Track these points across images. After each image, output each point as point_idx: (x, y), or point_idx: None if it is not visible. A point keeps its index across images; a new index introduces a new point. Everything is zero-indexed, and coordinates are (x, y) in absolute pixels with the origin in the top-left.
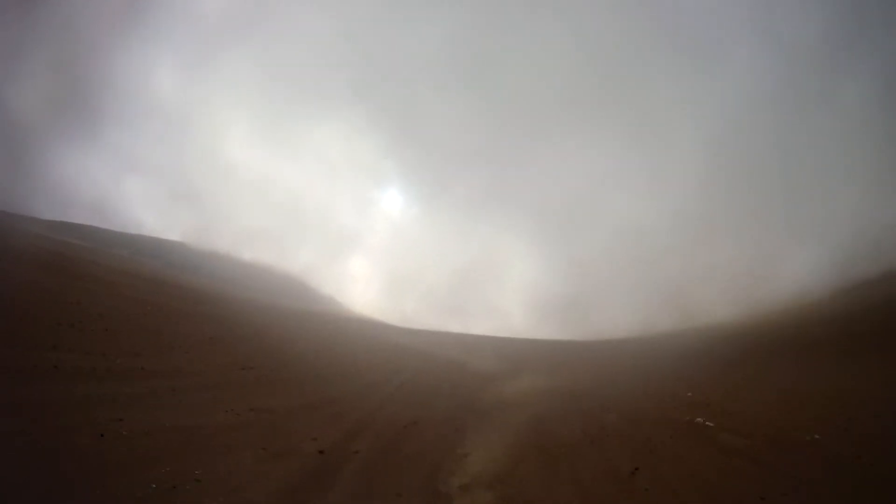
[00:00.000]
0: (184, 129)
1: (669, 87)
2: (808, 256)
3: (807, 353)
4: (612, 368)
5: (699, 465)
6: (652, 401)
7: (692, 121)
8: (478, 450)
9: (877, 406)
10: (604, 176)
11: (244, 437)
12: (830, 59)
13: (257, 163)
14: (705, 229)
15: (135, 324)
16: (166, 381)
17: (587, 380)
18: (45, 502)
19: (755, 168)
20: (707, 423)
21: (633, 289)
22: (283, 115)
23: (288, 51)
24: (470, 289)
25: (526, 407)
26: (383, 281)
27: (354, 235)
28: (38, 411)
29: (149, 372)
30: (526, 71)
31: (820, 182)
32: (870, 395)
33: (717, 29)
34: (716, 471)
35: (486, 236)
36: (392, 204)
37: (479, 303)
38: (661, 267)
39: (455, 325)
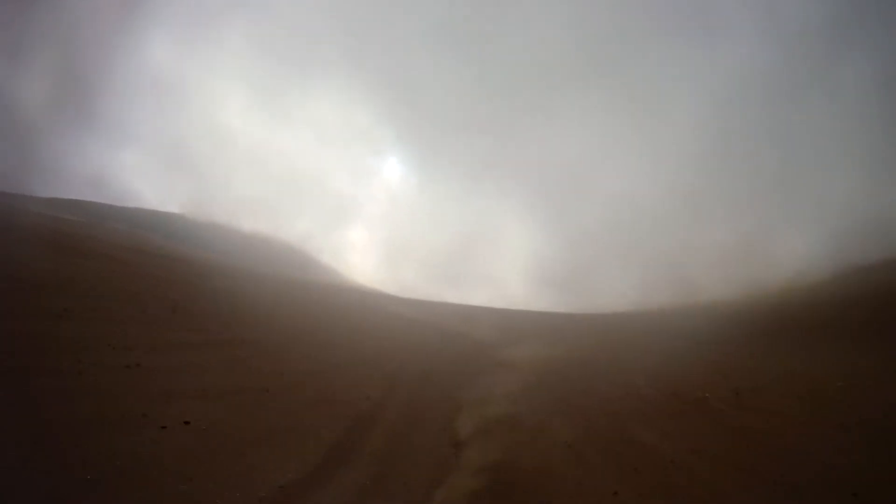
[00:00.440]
0: (180, 101)
1: (666, 62)
2: (804, 235)
3: (805, 335)
4: (609, 341)
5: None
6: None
7: (688, 96)
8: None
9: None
10: (600, 148)
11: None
12: (828, 39)
13: (255, 132)
14: (701, 205)
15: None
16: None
17: (585, 349)
18: None
19: (751, 145)
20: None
21: (630, 262)
22: (279, 85)
23: (283, 20)
24: (467, 258)
25: (524, 365)
26: (381, 250)
27: (352, 204)
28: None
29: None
30: (523, 43)
31: (817, 161)
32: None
33: (715, 5)
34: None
35: (484, 206)
36: (390, 173)
37: (476, 272)
38: (657, 241)
39: (453, 295)
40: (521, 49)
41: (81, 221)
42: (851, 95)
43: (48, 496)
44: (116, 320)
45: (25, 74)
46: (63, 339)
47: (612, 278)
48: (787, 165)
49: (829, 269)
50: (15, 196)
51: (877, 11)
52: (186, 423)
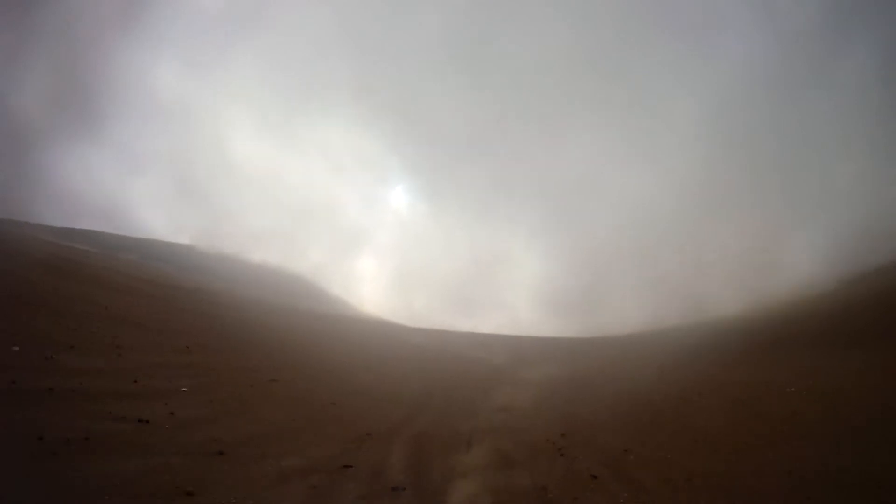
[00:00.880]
0: (190, 127)
1: (667, 74)
2: (810, 245)
3: (813, 347)
4: (619, 361)
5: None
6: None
7: (690, 106)
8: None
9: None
10: (605, 166)
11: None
12: (829, 40)
13: (263, 161)
14: (706, 219)
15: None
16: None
17: (595, 370)
18: None
19: (755, 153)
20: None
21: (639, 281)
22: (286, 113)
23: (290, 47)
24: (478, 284)
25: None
26: (391, 279)
27: (361, 234)
28: None
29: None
30: (525, 61)
31: (822, 166)
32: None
33: (714, 9)
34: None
35: (493, 231)
36: (398, 200)
37: (487, 298)
38: (664, 257)
39: (464, 322)
40: (527, 73)
41: (95, 252)
42: (854, 96)
43: None
44: None
45: (31, 100)
46: None
47: (622, 300)
48: (793, 172)
49: (834, 278)
50: (25, 224)
51: (874, 12)
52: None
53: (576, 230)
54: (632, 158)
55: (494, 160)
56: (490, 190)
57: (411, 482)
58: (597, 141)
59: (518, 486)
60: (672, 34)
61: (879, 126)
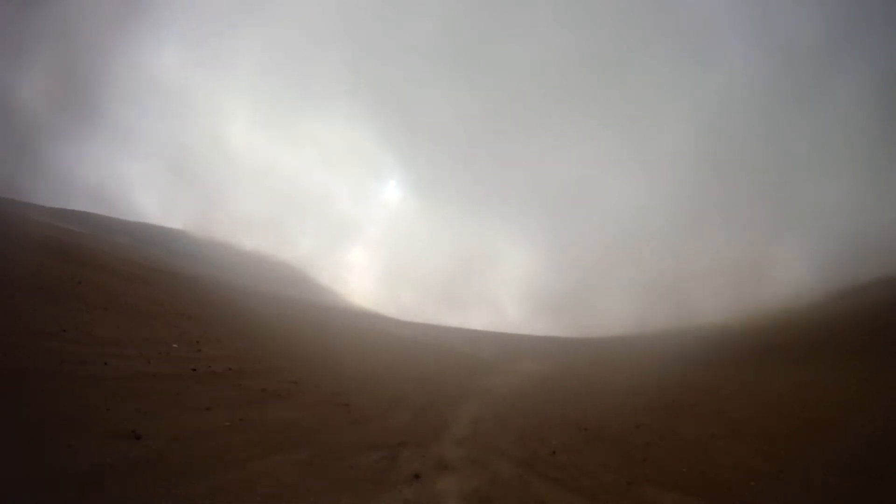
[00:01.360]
0: (186, 114)
1: (663, 82)
2: (801, 256)
3: (804, 359)
4: (595, 362)
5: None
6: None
7: (685, 113)
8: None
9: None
10: (598, 171)
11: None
12: (825, 52)
13: (257, 151)
14: (698, 225)
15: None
16: None
17: (581, 366)
18: None
19: (747, 162)
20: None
21: (627, 284)
22: (283, 105)
23: (290, 41)
24: (466, 281)
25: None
26: (381, 271)
27: (353, 225)
28: None
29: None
30: (521, 64)
31: (813, 177)
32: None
33: (711, 19)
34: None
35: (483, 229)
36: (390, 195)
37: (475, 295)
38: (654, 262)
39: (451, 318)
40: (522, 72)
41: (87, 233)
42: (847, 110)
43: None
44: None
45: (29, 83)
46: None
47: (609, 302)
48: (783, 180)
49: (823, 290)
50: (18, 203)
51: (873, 25)
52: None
53: (565, 232)
54: (624, 164)
55: (487, 160)
56: (482, 188)
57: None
58: (589, 145)
59: None
60: (669, 42)
61: (871, 142)
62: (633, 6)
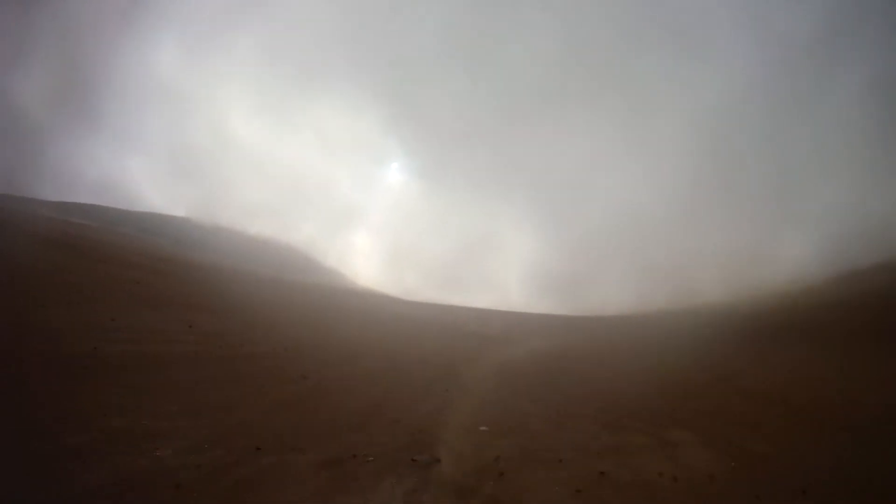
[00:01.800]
0: (187, 104)
1: (663, 71)
2: (799, 242)
3: (801, 340)
4: (599, 338)
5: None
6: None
7: (685, 104)
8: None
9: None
10: (600, 156)
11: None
12: (825, 48)
13: (260, 137)
14: (699, 210)
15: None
16: None
17: (577, 343)
18: None
19: (748, 151)
20: None
21: (629, 267)
22: (285, 91)
23: (291, 28)
24: (470, 263)
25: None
26: (385, 254)
27: (356, 209)
28: None
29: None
30: (523, 54)
31: (812, 167)
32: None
33: (712, 14)
34: None
35: (486, 213)
36: (394, 179)
37: (478, 277)
38: (656, 246)
39: (456, 299)
40: (523, 60)
41: (94, 226)
42: (845, 103)
43: None
44: None
45: (30, 76)
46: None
47: (612, 283)
48: (783, 171)
49: (822, 274)
50: (23, 199)
51: (869, 22)
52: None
53: (567, 216)
54: (626, 152)
55: (489, 145)
56: (483, 173)
57: None
58: (592, 131)
59: None
60: (670, 36)
61: (869, 135)
62: (633, 4)
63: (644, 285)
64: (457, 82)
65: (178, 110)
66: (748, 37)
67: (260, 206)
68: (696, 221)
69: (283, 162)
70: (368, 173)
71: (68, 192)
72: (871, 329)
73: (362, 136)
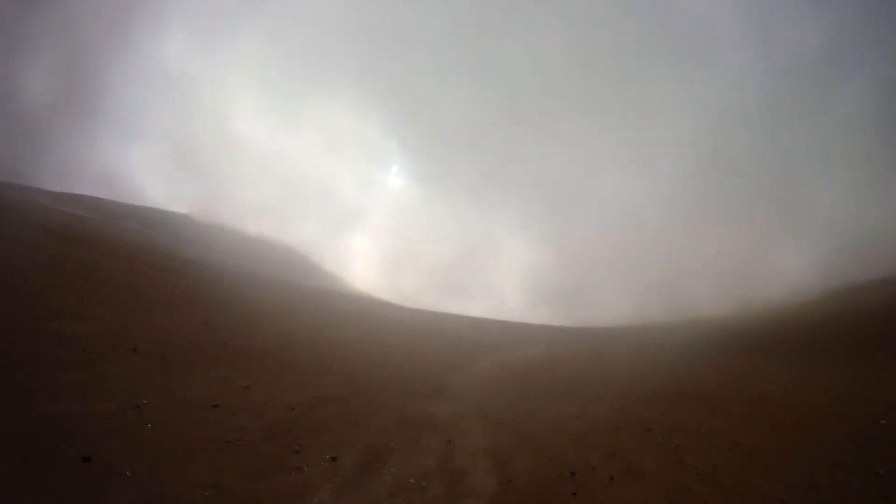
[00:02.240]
0: (191, 99)
1: (666, 80)
2: (796, 254)
3: (798, 354)
4: (591, 348)
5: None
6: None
7: (685, 115)
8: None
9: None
10: (599, 166)
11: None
12: (826, 60)
13: (263, 137)
14: (696, 222)
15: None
16: None
17: (570, 353)
18: None
19: (745, 165)
20: None
21: (625, 279)
22: (290, 91)
23: (294, 27)
24: (467, 270)
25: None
26: (383, 259)
27: (356, 213)
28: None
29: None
30: (526, 58)
31: (812, 182)
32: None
33: (714, 24)
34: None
35: (484, 220)
36: (393, 183)
37: (475, 284)
38: (652, 258)
39: (452, 305)
40: (527, 67)
41: (94, 218)
42: (841, 119)
43: None
44: None
45: (34, 67)
46: None
47: (608, 294)
48: (783, 183)
49: (818, 288)
50: (25, 188)
51: (873, 36)
52: None
53: (565, 225)
54: (625, 160)
55: (490, 152)
56: (484, 179)
57: None
58: (591, 141)
59: None
60: (671, 43)
61: (869, 145)
62: (637, 7)
63: (641, 297)
64: (460, 88)
65: (182, 102)
66: (751, 45)
67: (260, 206)
68: (696, 233)
69: (285, 160)
70: (368, 175)
71: (71, 182)
72: (868, 344)
73: (364, 138)
